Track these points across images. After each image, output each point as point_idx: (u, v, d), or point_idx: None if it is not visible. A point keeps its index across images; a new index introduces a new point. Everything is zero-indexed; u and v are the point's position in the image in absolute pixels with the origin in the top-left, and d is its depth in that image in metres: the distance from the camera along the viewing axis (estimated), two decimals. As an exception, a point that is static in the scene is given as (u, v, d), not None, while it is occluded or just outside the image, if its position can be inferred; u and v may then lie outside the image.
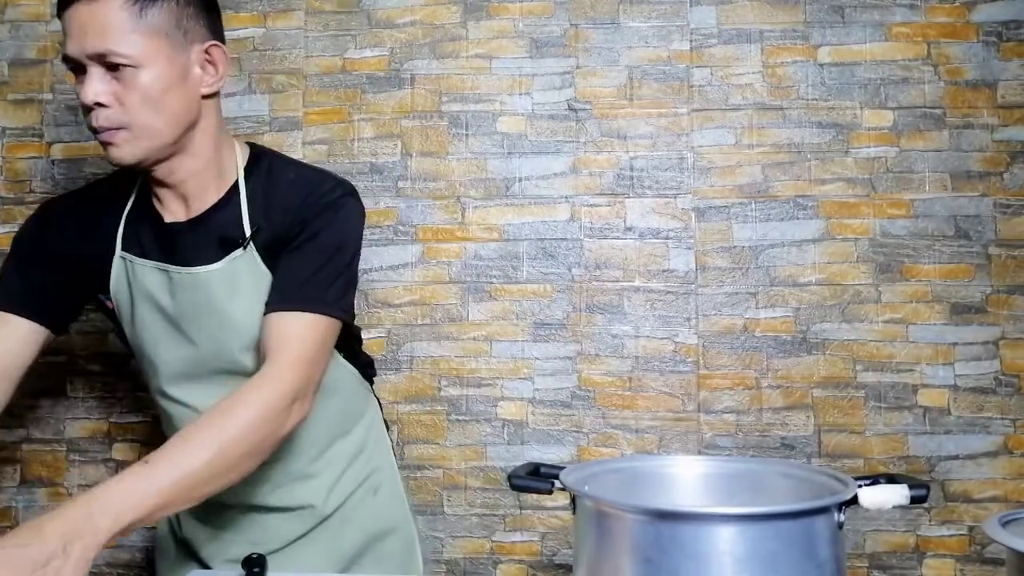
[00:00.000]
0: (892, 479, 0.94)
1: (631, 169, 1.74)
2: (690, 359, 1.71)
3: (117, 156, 1.10)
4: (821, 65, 1.72)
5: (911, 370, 1.68)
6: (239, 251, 1.16)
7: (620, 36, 1.75)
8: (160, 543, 1.39)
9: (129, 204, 1.22)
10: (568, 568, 1.68)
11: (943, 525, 1.66)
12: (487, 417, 1.73)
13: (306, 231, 1.16)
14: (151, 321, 1.20)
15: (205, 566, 1.29)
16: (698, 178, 1.73)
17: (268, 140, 1.75)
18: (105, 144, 1.10)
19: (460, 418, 1.73)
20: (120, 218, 1.21)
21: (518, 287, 1.74)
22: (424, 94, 1.77)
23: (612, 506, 0.88)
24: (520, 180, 1.75)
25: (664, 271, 1.72)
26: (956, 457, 1.67)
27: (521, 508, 1.72)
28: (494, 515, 1.72)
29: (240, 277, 1.17)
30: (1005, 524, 0.87)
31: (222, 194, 1.19)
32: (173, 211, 1.20)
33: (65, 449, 1.78)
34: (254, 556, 1.11)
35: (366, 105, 1.78)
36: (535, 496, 1.63)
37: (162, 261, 1.18)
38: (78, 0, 1.05)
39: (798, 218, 1.71)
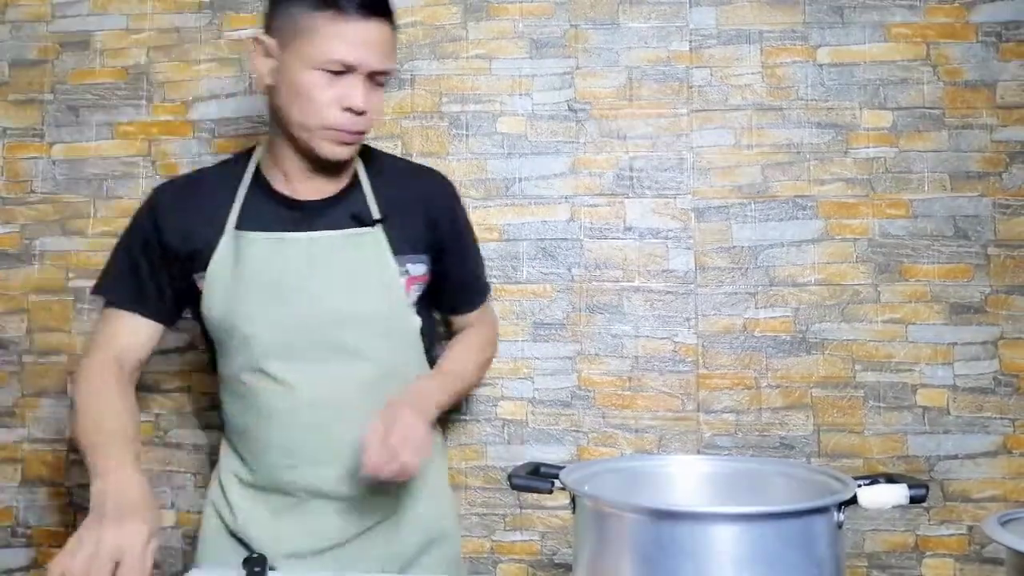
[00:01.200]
0: (891, 479, 0.94)
1: (631, 169, 1.74)
2: (689, 359, 1.71)
3: (347, 154, 1.26)
4: (820, 66, 1.73)
5: (910, 370, 1.68)
6: (368, 228, 1.28)
7: (620, 37, 1.75)
8: (207, 535, 1.36)
9: (245, 186, 1.30)
10: (568, 568, 1.68)
11: (942, 525, 1.66)
12: (487, 417, 1.73)
13: (454, 228, 1.39)
14: (254, 293, 1.25)
15: None
16: (698, 178, 1.73)
17: (268, 140, 1.75)
18: (344, 143, 1.23)
19: (460, 418, 1.73)
20: (234, 199, 1.29)
21: (518, 287, 1.74)
22: (424, 94, 1.77)
23: (612, 506, 0.88)
24: (520, 180, 1.75)
25: (664, 271, 1.73)
26: (955, 457, 1.67)
27: (521, 508, 1.72)
28: (494, 515, 1.72)
29: (363, 252, 1.28)
30: (1004, 524, 0.87)
31: (348, 180, 1.33)
32: (303, 192, 1.30)
33: (66, 449, 1.78)
34: (254, 556, 1.13)
35: (366, 105, 1.77)
36: (535, 496, 1.63)
37: (287, 231, 1.27)
38: (373, 17, 1.19)
39: (797, 218, 1.71)
